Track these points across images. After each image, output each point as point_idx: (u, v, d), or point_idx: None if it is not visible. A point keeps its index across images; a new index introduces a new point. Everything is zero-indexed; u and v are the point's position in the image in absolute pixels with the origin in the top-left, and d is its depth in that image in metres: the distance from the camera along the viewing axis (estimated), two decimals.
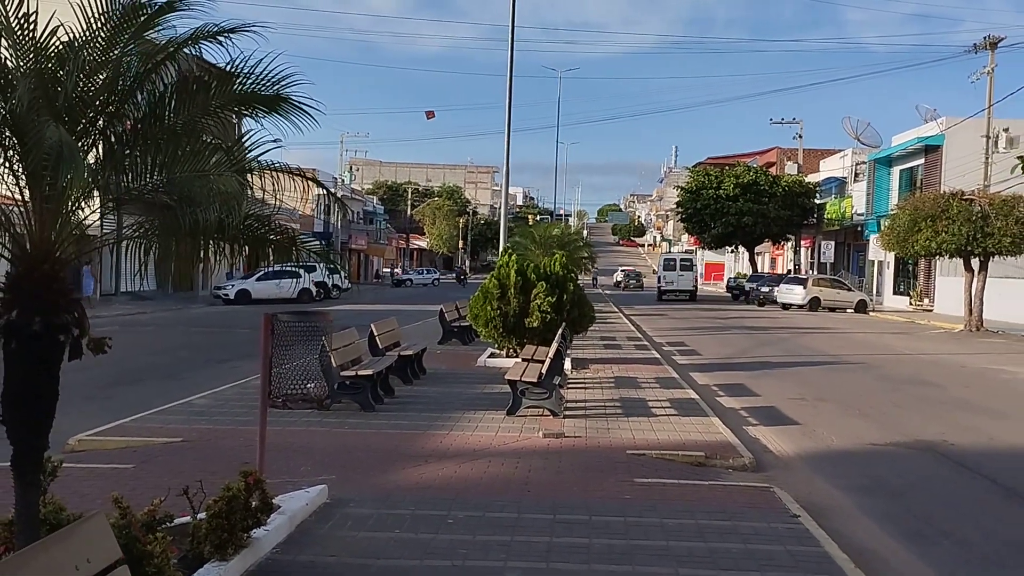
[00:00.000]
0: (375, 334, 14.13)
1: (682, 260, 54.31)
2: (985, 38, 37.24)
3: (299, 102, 4.43)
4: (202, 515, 5.49)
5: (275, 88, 4.37)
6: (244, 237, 4.52)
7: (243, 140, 4.67)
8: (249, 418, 9.59)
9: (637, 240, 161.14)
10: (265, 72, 4.38)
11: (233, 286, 43.90)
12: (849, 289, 44.77)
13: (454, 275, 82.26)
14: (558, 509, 7.12)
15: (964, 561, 6.72)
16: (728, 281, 60.93)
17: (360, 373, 11.49)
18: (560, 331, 14.03)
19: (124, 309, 34.03)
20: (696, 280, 53.55)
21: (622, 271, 77.82)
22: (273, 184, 4.91)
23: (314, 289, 45.72)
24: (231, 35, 4.32)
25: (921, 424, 12.26)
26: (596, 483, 8.09)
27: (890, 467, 9.86)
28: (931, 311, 41.83)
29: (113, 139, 4.28)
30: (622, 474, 8.45)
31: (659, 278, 52.99)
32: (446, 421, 10.88)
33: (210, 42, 4.34)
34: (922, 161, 45.94)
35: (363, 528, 6.51)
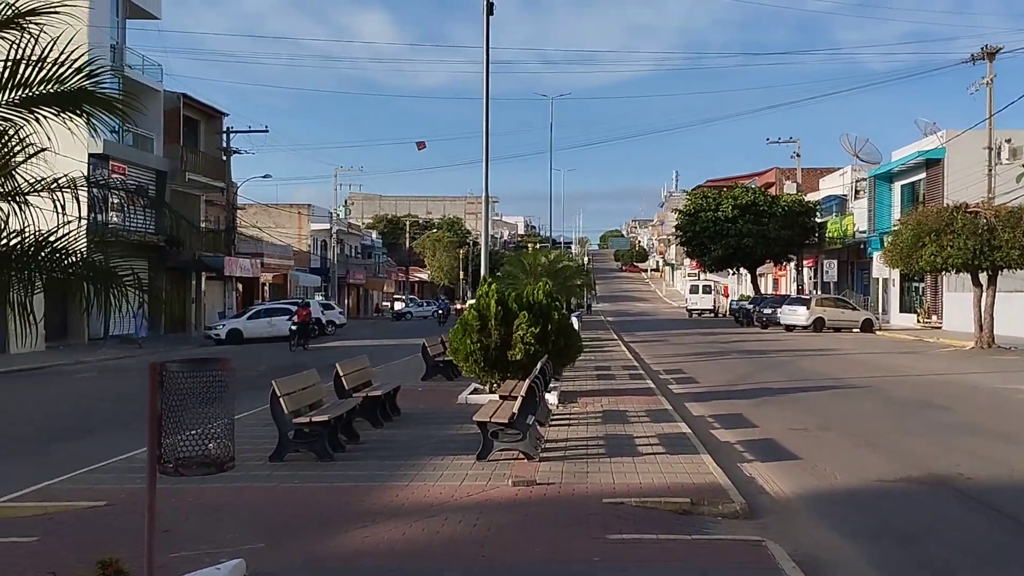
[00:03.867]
0: (340, 374, 13.15)
1: (704, 285, 66.51)
2: (983, 48, 36.40)
3: (107, 96, 3.46)
4: None
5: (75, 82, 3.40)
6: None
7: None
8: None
9: (640, 265, 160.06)
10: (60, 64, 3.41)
11: (224, 325, 42.91)
12: (854, 308, 43.67)
13: (432, 310, 66.67)
14: None
15: None
16: (730, 303, 59.93)
17: (315, 420, 10.51)
18: (539, 364, 13.03)
19: (112, 353, 33.12)
20: (715, 300, 64.98)
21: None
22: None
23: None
24: (29, 19, 3.36)
25: (934, 455, 11.19)
26: (563, 541, 7.06)
27: (901, 507, 8.82)
28: (940, 328, 40.71)
29: None
30: (595, 529, 7.41)
31: (687, 299, 66.75)
32: (409, 470, 9.86)
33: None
34: (923, 175, 45.04)
35: None
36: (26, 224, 3.78)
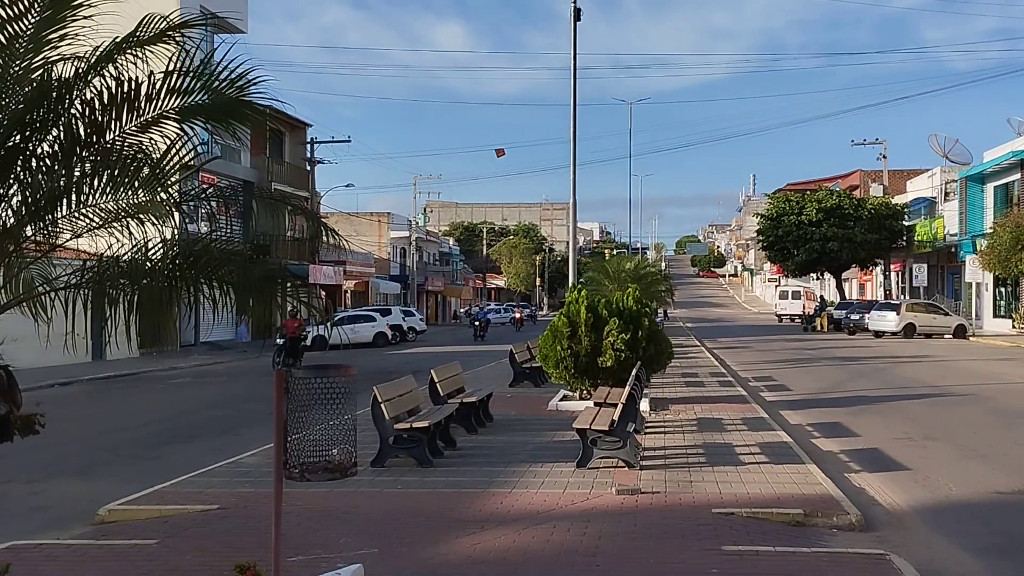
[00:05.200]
0: (435, 380, 13.23)
1: (793, 291, 66.10)
2: None
3: (261, 106, 3.51)
4: None
5: (233, 91, 3.45)
6: (180, 276, 3.58)
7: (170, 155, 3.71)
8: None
9: (717, 271, 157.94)
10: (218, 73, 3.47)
11: (309, 332, 43.70)
12: (946, 313, 42.25)
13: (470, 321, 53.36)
14: None
15: None
16: (814, 309, 58.55)
17: (415, 425, 10.59)
18: (634, 371, 12.90)
19: (202, 359, 34.03)
20: (804, 305, 61.83)
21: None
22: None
23: (389, 332, 45.34)
24: (183, 32, 3.43)
25: None
26: (676, 552, 6.94)
27: (1023, 521, 8.45)
28: None
29: (35, 163, 3.43)
30: (707, 540, 7.27)
31: (776, 304, 66.86)
32: (509, 476, 9.85)
33: (158, 44, 3.45)
34: (1018, 176, 43.33)
35: None
36: (174, 234, 3.89)
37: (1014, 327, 42.08)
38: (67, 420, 16.63)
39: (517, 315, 62.13)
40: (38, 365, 22.73)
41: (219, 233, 4.76)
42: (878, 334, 41.12)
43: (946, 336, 40.05)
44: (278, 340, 28.55)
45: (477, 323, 48.34)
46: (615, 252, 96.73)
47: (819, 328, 49.11)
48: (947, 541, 7.70)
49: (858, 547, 7.20)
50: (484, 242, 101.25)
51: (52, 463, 11.93)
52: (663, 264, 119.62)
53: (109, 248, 3.75)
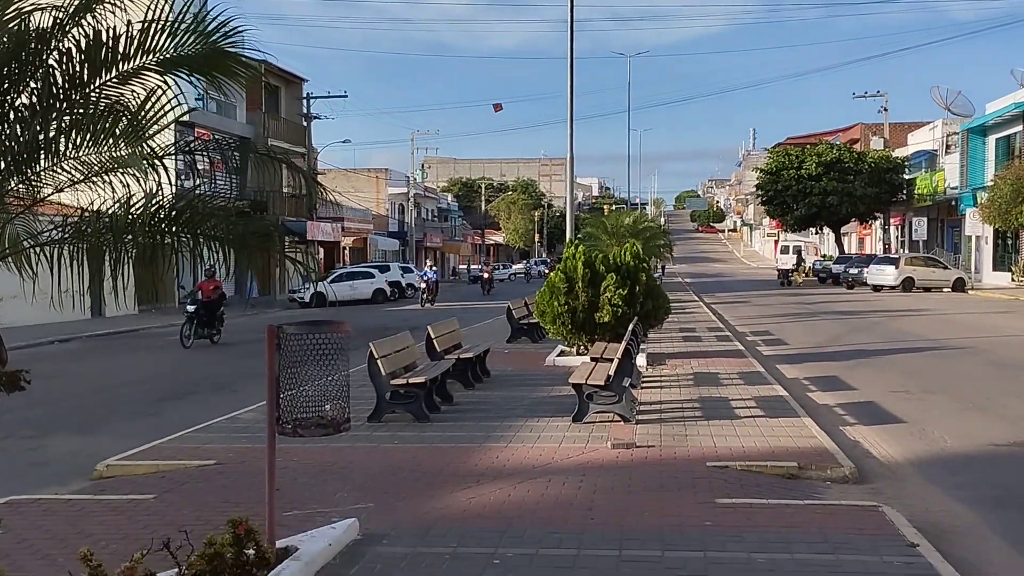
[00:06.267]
0: (432, 337, 13.22)
1: (794, 246, 62.80)
2: None
3: (248, 59, 3.42)
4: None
5: (219, 40, 3.36)
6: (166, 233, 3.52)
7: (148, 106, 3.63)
8: None
9: (716, 226, 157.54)
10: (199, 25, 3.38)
11: (308, 288, 43.75)
12: (945, 267, 42.23)
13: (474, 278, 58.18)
14: (626, 542, 6.04)
15: None
16: (813, 264, 58.39)
17: (412, 381, 10.59)
18: (631, 326, 12.88)
19: None
20: (783, 261, 59.31)
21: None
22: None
23: (388, 289, 45.37)
24: None
25: None
26: (671, 505, 6.97)
27: (1019, 473, 8.49)
28: None
29: (12, 116, 3.36)
30: (702, 493, 7.30)
31: (776, 259, 63.64)
32: (506, 431, 9.88)
33: None
34: (1020, 128, 43.03)
35: (393, 574, 5.54)
36: (158, 188, 3.83)
37: (1013, 280, 42.06)
38: (66, 377, 16.68)
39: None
40: (38, 322, 22.79)
41: (207, 188, 4.69)
42: (877, 288, 41.12)
43: (945, 290, 40.06)
44: (188, 308, 22.68)
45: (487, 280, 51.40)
46: (614, 207, 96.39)
47: (797, 283, 49.30)
48: (941, 493, 7.73)
49: (851, 499, 7.23)
50: (483, 198, 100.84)
51: (50, 419, 11.98)
52: (662, 219, 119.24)
53: (91, 204, 3.70)
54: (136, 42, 3.53)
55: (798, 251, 59.12)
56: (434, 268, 47.81)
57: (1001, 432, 10.07)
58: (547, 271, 57.71)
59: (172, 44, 3.53)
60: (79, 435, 11.04)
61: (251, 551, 4.56)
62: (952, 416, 11.06)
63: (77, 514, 7.14)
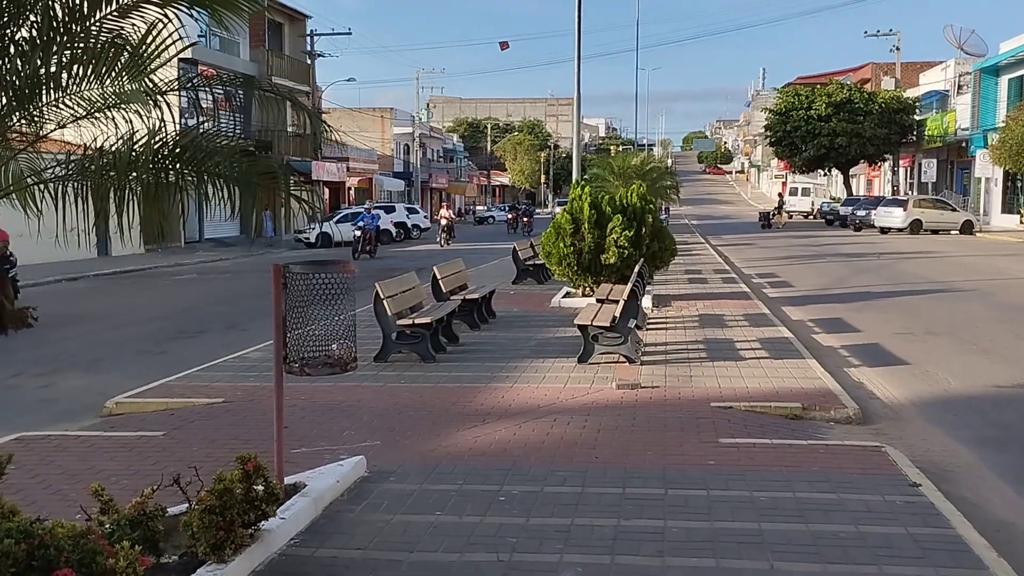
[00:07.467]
0: (438, 277, 13.24)
1: (803, 188, 65.72)
2: None
3: None
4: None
5: None
6: (172, 170, 3.50)
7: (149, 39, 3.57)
8: None
9: (724, 167, 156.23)
10: None
11: (314, 228, 43.65)
12: (953, 209, 41.97)
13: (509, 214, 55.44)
14: (629, 480, 6.11)
15: None
16: (821, 206, 58.13)
17: (418, 321, 10.63)
18: (637, 268, 12.87)
19: (207, 256, 34.12)
20: (812, 202, 62.52)
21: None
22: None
23: (394, 230, 45.28)
24: None
25: None
26: (675, 445, 7.03)
27: (1022, 413, 8.53)
28: None
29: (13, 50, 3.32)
30: (705, 433, 7.37)
31: (786, 201, 62.84)
32: (511, 371, 9.93)
33: None
34: None
35: (400, 510, 5.62)
36: (162, 125, 3.79)
37: (1021, 223, 41.81)
38: (74, 315, 16.77)
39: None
40: (46, 261, 22.83)
41: (212, 126, 4.65)
42: (884, 230, 40.95)
43: (952, 232, 39.88)
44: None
45: (522, 218, 50.75)
46: (621, 148, 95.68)
47: (779, 225, 49.19)
48: (944, 433, 7.79)
49: (854, 440, 7.29)
50: (488, 139, 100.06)
51: (60, 357, 12.08)
52: (669, 161, 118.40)
53: (94, 140, 3.67)
54: None
55: (780, 195, 59.74)
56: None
57: (1004, 374, 10.10)
58: (509, 217, 54.80)
59: None
60: (88, 373, 11.13)
61: (260, 487, 4.61)
62: (955, 358, 11.09)
63: (87, 450, 7.23)
